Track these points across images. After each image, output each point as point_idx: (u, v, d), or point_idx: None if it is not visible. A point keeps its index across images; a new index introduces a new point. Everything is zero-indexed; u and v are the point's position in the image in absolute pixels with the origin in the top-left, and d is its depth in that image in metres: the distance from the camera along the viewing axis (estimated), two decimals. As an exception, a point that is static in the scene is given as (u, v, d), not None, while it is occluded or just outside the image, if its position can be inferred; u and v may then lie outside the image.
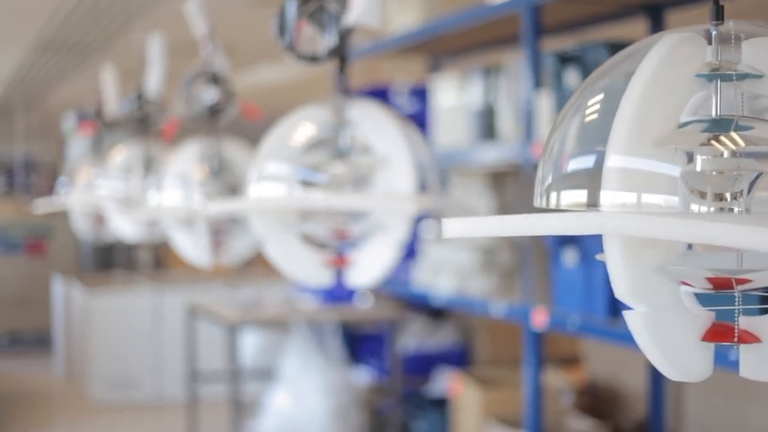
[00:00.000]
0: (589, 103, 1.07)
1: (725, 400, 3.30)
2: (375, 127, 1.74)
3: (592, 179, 1.02)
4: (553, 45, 3.35)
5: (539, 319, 3.17)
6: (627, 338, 2.76)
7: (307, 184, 1.74)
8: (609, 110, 1.03)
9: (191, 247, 2.71)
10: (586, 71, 2.87)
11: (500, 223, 0.94)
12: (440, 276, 3.86)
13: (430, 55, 4.76)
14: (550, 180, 1.03)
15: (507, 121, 3.50)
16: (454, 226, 0.93)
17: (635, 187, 1.00)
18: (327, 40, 1.76)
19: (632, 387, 3.81)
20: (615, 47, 2.82)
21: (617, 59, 1.09)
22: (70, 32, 6.66)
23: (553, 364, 4.14)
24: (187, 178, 2.67)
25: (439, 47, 4.42)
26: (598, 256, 1.11)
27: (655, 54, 1.04)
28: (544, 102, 3.14)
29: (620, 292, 1.03)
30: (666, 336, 1.05)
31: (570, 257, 3.06)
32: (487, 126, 3.57)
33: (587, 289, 3.00)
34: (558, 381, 3.88)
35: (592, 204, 1.02)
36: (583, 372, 4.34)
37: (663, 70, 1.03)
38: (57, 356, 8.37)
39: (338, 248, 1.77)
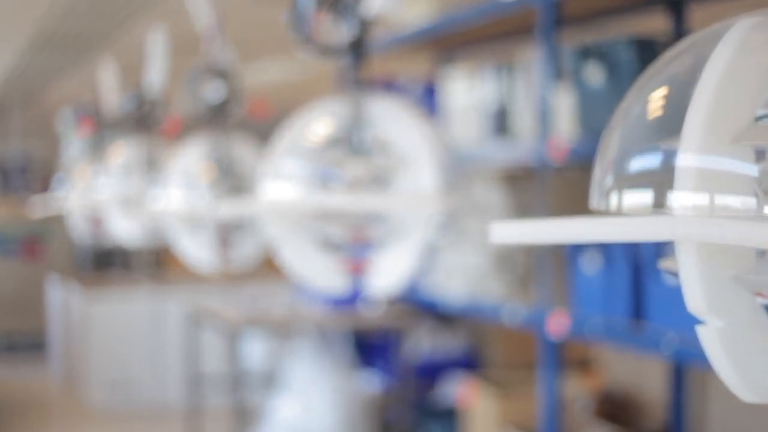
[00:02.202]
0: (655, 96, 0.96)
1: (751, 407, 3.18)
2: (395, 123, 1.62)
3: (659, 179, 0.91)
4: (569, 39, 3.23)
5: (557, 324, 3.05)
6: (651, 345, 2.65)
7: (323, 184, 1.62)
8: (677, 104, 0.92)
9: (197, 250, 2.59)
10: (608, 66, 2.75)
11: (557, 229, 0.83)
12: (452, 280, 3.75)
13: (438, 52, 4.65)
14: (610, 180, 0.91)
15: (522, 119, 3.38)
16: (503, 232, 0.81)
17: (710, 188, 0.89)
18: (346, 32, 1.64)
19: (651, 393, 3.69)
20: (639, 41, 2.71)
21: (683, 48, 0.98)
22: (68, 27, 6.54)
23: (566, 370, 4.03)
24: (192, 178, 2.55)
25: (448, 43, 4.30)
26: (663, 265, 1.00)
27: (729, 41, 0.93)
28: (563, 98, 3.03)
29: (695, 306, 0.92)
30: (743, 353, 0.94)
31: (590, 260, 2.94)
32: (501, 123, 3.45)
33: (609, 293, 2.89)
34: (574, 388, 3.76)
35: (659, 206, 0.91)
36: (597, 377, 4.23)
37: (738, 58, 0.92)
38: (54, 360, 8.24)
39: (356, 252, 1.65)
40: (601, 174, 0.94)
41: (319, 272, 1.66)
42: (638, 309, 2.80)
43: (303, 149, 1.63)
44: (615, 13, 3.54)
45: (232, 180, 2.52)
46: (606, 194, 0.95)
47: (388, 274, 1.62)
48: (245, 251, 2.60)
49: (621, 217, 0.83)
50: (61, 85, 9.28)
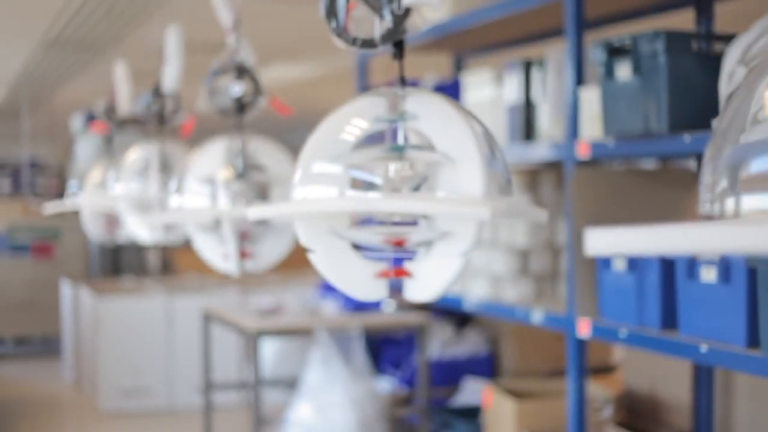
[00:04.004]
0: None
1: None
2: (437, 120, 1.53)
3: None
4: (594, 38, 3.15)
5: (586, 327, 2.97)
6: (685, 350, 2.56)
7: (359, 185, 1.53)
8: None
9: (216, 252, 2.50)
10: (639, 63, 2.66)
11: (660, 237, 0.74)
12: (472, 281, 3.66)
13: (455, 51, 4.57)
14: (724, 184, 0.82)
15: (547, 117, 3.30)
16: (600, 241, 0.72)
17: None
18: (381, 23, 1.56)
19: (674, 398, 3.61)
20: (672, 37, 2.62)
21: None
22: (78, 29, 6.48)
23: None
24: (212, 178, 2.47)
25: (465, 42, 4.22)
26: None
27: None
28: (591, 97, 2.94)
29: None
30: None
31: (620, 262, 2.85)
32: (524, 123, 3.36)
33: (639, 295, 2.80)
34: (596, 391, 3.68)
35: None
36: (617, 381, 4.15)
37: None
38: (65, 362, 8.18)
39: (395, 259, 1.57)
40: (713, 178, 0.85)
41: (354, 280, 1.58)
42: (672, 312, 2.72)
43: (337, 147, 1.54)
44: (640, 11, 3.46)
45: (255, 180, 2.44)
46: (719, 199, 0.86)
47: (429, 282, 1.53)
48: (267, 256, 2.52)
49: (739, 222, 0.74)
50: (70, 89, 9.22)
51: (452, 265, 1.51)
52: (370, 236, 1.55)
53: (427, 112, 1.54)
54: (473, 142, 1.49)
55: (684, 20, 3.27)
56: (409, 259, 1.56)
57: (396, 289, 1.62)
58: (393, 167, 1.53)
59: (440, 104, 1.55)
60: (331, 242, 1.57)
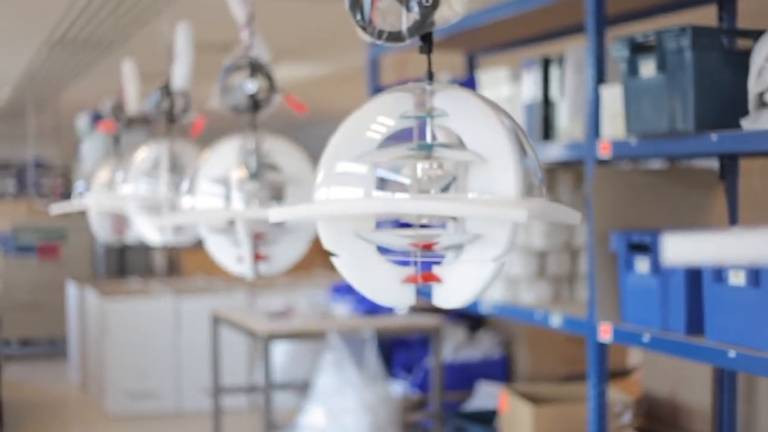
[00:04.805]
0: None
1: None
2: (468, 116, 1.46)
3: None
4: (614, 35, 3.08)
5: (607, 330, 2.89)
6: (712, 356, 2.49)
7: (385, 185, 1.46)
8: None
9: (230, 255, 2.43)
10: (664, 60, 2.58)
11: (745, 244, 0.66)
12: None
13: (467, 49, 4.49)
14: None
15: (565, 116, 3.22)
16: (680, 248, 0.64)
17: None
18: (409, 15, 1.48)
19: (695, 403, 3.53)
20: (699, 32, 2.54)
21: None
22: (83, 29, 6.41)
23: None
24: (225, 178, 2.40)
25: (478, 40, 4.15)
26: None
27: None
28: (612, 95, 2.86)
29: None
30: None
31: (643, 264, 2.78)
32: (542, 121, 3.29)
33: (663, 299, 2.72)
34: (615, 396, 3.60)
35: None
36: (634, 385, 4.07)
37: None
38: (71, 364, 8.11)
39: (423, 263, 1.49)
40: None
41: (380, 285, 1.50)
42: (698, 316, 2.64)
43: (362, 146, 1.47)
44: (660, 7, 3.39)
45: (269, 180, 2.36)
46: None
47: (459, 288, 1.46)
48: (281, 259, 2.45)
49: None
50: (75, 90, 9.17)
51: (484, 271, 1.43)
52: (397, 239, 1.47)
53: (456, 108, 1.46)
54: (506, 140, 1.41)
55: (703, 16, 3.20)
56: (438, 263, 1.49)
57: (423, 295, 1.55)
58: (421, 167, 1.46)
59: (470, 100, 1.47)
60: (356, 246, 1.49)
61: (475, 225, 1.43)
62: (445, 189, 1.45)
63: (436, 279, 1.47)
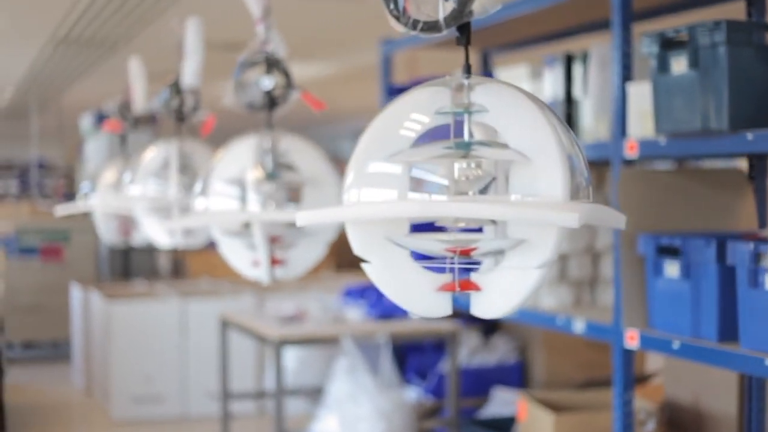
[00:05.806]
0: None
1: None
2: (510, 112, 1.35)
3: None
4: (639, 31, 2.98)
5: (634, 337, 2.78)
6: (747, 364, 2.38)
7: (419, 186, 1.35)
8: None
9: (244, 258, 2.32)
10: (697, 56, 2.48)
11: None
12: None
13: (481, 47, 4.39)
14: None
15: (589, 115, 3.12)
16: None
17: None
18: (445, 4, 1.38)
19: (720, 410, 3.42)
20: (733, 27, 2.44)
21: None
22: (87, 27, 6.32)
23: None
24: (240, 179, 2.29)
25: (493, 38, 4.04)
26: None
27: None
28: (640, 92, 2.76)
29: None
30: None
31: (673, 267, 2.67)
32: (565, 120, 3.18)
33: (694, 304, 2.61)
34: (638, 403, 3.49)
35: None
36: (654, 392, 3.97)
37: None
38: (75, 367, 8.01)
39: (459, 270, 1.38)
40: None
41: (414, 293, 1.39)
42: (727, 322, 2.53)
43: (395, 146, 1.36)
44: (687, 2, 3.30)
45: (287, 181, 2.26)
46: None
47: (500, 297, 1.35)
48: (298, 263, 2.34)
49: None
50: (79, 89, 9.10)
51: (528, 278, 1.33)
52: (433, 244, 1.37)
53: (497, 103, 1.36)
54: (552, 137, 1.31)
55: (731, 12, 3.10)
56: (476, 270, 1.38)
57: (459, 305, 1.44)
58: (458, 166, 1.35)
59: (513, 95, 1.36)
60: (388, 251, 1.38)
61: (517, 229, 1.33)
62: (484, 190, 1.34)
63: (476, 287, 1.37)
